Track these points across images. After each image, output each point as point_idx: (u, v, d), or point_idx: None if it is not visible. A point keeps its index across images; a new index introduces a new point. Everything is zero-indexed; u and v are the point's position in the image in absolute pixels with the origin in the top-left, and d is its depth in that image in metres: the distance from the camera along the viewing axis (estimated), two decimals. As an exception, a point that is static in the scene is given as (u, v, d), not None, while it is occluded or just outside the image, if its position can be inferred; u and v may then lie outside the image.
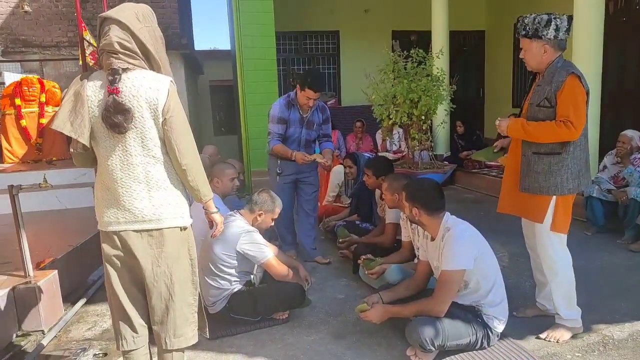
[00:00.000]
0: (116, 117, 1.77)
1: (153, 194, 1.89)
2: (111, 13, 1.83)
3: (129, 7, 1.86)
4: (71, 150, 1.91)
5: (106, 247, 1.94)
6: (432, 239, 2.52)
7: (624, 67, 6.95)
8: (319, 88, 3.67)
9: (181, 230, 1.98)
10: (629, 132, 4.39)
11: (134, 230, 1.90)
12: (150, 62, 1.89)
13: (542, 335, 2.62)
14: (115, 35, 1.80)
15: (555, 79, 2.43)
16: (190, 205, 2.06)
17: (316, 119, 3.91)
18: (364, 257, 3.35)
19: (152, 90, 1.83)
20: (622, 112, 6.74)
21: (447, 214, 2.50)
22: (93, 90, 1.83)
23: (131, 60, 1.83)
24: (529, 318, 2.83)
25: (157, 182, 1.89)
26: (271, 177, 3.96)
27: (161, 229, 1.92)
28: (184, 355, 2.12)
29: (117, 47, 1.80)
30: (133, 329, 2.01)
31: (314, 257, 4.04)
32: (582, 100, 2.41)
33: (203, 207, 2.10)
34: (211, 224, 2.16)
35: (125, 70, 1.82)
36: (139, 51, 1.85)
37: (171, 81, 1.90)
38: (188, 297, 2.03)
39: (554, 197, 2.50)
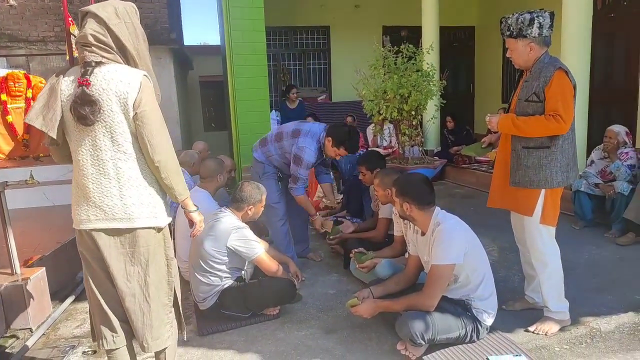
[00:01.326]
0: (83, 108, 1.73)
1: (124, 192, 1.84)
2: (91, 7, 1.83)
3: (110, 3, 1.85)
4: (44, 144, 1.92)
5: (80, 246, 1.92)
6: (423, 234, 2.53)
7: (611, 62, 7.02)
8: (354, 151, 3.50)
9: (157, 231, 1.92)
10: (615, 127, 4.43)
11: (105, 229, 1.85)
12: (127, 58, 1.87)
13: (531, 328, 2.65)
14: (90, 28, 1.80)
15: (543, 75, 2.45)
16: (169, 203, 2.01)
17: (329, 160, 3.79)
18: (355, 250, 3.36)
19: (122, 83, 1.79)
20: (610, 108, 6.82)
21: (438, 208, 2.52)
22: (67, 85, 1.81)
23: (105, 54, 1.81)
24: (518, 311, 2.86)
25: (128, 180, 1.84)
26: (268, 182, 3.59)
27: (133, 229, 1.86)
28: (175, 351, 2.10)
29: (91, 39, 1.79)
30: (112, 328, 1.97)
31: (305, 254, 4.01)
32: (569, 94, 2.45)
33: (181, 206, 2.04)
34: (191, 222, 2.10)
35: (98, 64, 1.80)
36: (114, 45, 1.82)
37: (145, 75, 1.85)
38: (163, 297, 1.99)
39: (543, 190, 2.53)
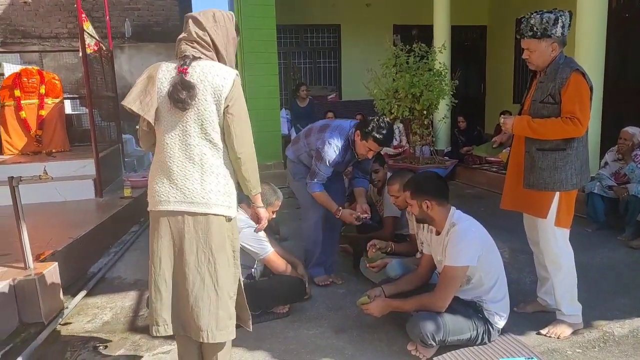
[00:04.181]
0: (181, 92, 1.85)
1: (206, 177, 1.92)
2: (194, 13, 2.01)
3: (210, 10, 2.02)
4: (137, 127, 2.05)
5: (154, 227, 1.97)
6: (437, 233, 2.52)
7: (626, 63, 6.93)
8: (386, 143, 3.12)
9: (227, 220, 1.99)
10: (630, 129, 4.37)
11: (182, 211, 1.92)
12: (219, 57, 2.00)
13: (543, 331, 2.62)
14: (193, 27, 1.97)
15: (559, 76, 2.43)
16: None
17: (365, 162, 3.38)
18: (376, 244, 3.21)
19: (218, 77, 1.91)
20: (624, 109, 6.72)
21: (454, 208, 2.50)
22: (164, 73, 1.93)
23: (204, 51, 1.95)
24: (530, 314, 2.83)
25: (210, 167, 1.93)
26: (300, 184, 3.38)
27: (208, 214, 1.93)
28: (230, 350, 2.11)
29: (195, 36, 1.94)
30: (166, 315, 1.98)
31: (329, 272, 3.51)
32: (586, 96, 2.42)
33: (251, 200, 2.15)
34: (256, 217, 2.22)
35: (196, 58, 1.93)
36: (211, 44, 1.97)
37: (237, 74, 1.97)
38: (229, 288, 2.02)
39: (557, 192, 2.50)
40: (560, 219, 2.53)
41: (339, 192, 3.49)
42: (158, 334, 1.99)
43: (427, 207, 2.46)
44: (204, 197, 1.92)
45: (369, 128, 3.02)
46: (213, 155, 1.94)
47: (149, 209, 2.00)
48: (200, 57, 1.94)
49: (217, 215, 1.95)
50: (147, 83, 1.94)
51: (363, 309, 2.60)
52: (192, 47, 1.95)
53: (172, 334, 2.01)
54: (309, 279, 3.26)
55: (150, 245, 1.99)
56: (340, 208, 3.25)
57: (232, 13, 2.08)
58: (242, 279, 2.86)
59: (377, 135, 3.01)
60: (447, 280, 2.38)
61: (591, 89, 2.44)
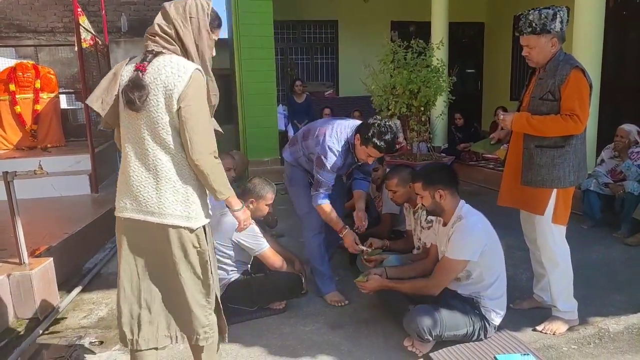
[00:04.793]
0: (132, 92, 1.74)
1: (161, 186, 1.80)
2: (167, 3, 1.88)
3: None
4: (100, 128, 1.99)
5: (117, 234, 1.91)
6: (444, 224, 2.53)
7: (623, 60, 6.94)
8: (388, 150, 2.89)
9: (190, 232, 1.84)
10: (626, 126, 4.39)
11: (138, 220, 1.82)
12: (187, 53, 1.85)
13: (539, 328, 2.63)
14: (158, 19, 1.84)
15: (559, 73, 2.42)
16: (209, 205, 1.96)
17: (366, 165, 3.14)
18: (373, 243, 3.18)
19: (172, 75, 1.76)
20: (621, 106, 6.74)
21: (463, 201, 2.51)
22: (127, 70, 1.82)
23: (167, 45, 1.82)
24: (526, 310, 2.84)
25: (166, 174, 1.80)
26: (297, 190, 3.20)
27: (164, 224, 1.81)
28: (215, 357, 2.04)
29: (157, 29, 1.82)
30: (137, 326, 1.90)
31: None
32: (586, 93, 2.42)
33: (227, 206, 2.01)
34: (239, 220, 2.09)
35: (158, 53, 1.80)
36: (176, 37, 1.83)
37: (198, 69, 1.80)
38: (199, 298, 1.90)
39: (555, 189, 2.50)
40: (558, 215, 2.53)
41: (340, 195, 3.35)
42: (131, 347, 1.91)
43: (440, 196, 2.46)
44: (159, 207, 1.79)
45: (370, 133, 2.77)
46: (169, 161, 1.80)
47: (115, 213, 1.93)
48: (162, 52, 1.80)
49: (175, 226, 1.81)
50: (111, 81, 1.83)
51: (359, 285, 2.65)
52: (154, 40, 1.82)
53: (147, 347, 1.91)
54: (308, 276, 3.24)
55: (118, 252, 1.93)
56: (346, 227, 3.00)
57: (209, 2, 1.92)
58: (238, 277, 2.89)
59: (378, 142, 2.76)
60: (444, 270, 2.42)
61: (591, 86, 2.44)
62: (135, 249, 1.88)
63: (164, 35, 1.81)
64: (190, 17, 1.83)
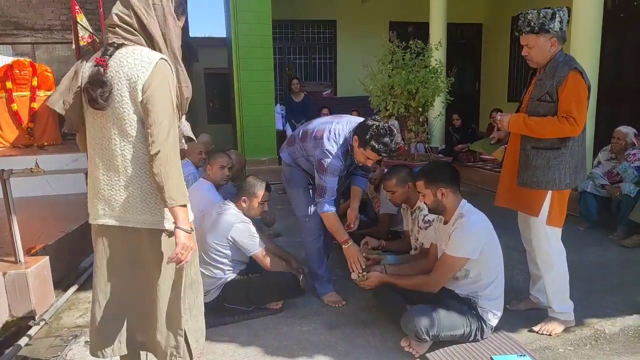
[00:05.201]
0: (93, 89, 1.61)
1: (131, 187, 1.69)
2: None
3: None
4: (64, 130, 1.87)
5: (93, 241, 1.81)
6: (445, 222, 2.53)
7: (620, 62, 6.96)
8: (387, 152, 2.76)
9: (168, 235, 1.72)
10: (623, 128, 4.40)
11: (111, 226, 1.72)
12: (152, 43, 1.72)
13: (535, 328, 2.64)
14: (116, 8, 1.70)
15: (557, 74, 2.42)
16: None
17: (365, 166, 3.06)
18: (369, 242, 3.20)
19: (135, 66, 1.63)
20: (618, 108, 6.77)
21: (464, 200, 2.51)
22: (87, 67, 1.69)
23: (129, 36, 1.68)
24: (522, 311, 2.85)
25: (136, 174, 1.68)
26: (297, 191, 3.10)
27: (137, 228, 1.71)
28: None
29: (115, 19, 1.68)
30: (110, 337, 1.81)
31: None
32: (584, 96, 2.42)
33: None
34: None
35: (120, 46, 1.68)
36: (137, 27, 1.69)
37: (163, 59, 1.67)
38: (172, 311, 1.79)
39: (550, 191, 2.50)
40: (552, 217, 2.53)
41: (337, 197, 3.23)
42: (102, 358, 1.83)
43: (442, 194, 2.46)
44: (133, 210, 1.69)
45: (368, 136, 2.69)
46: (138, 160, 1.67)
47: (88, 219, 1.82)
48: (124, 44, 1.67)
49: (151, 229, 1.71)
50: (72, 78, 1.70)
51: (358, 282, 2.65)
52: (114, 32, 1.68)
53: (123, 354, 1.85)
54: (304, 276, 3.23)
55: (94, 259, 1.84)
56: (351, 240, 2.88)
57: None
58: (235, 277, 2.88)
59: (377, 145, 2.68)
60: (443, 267, 2.42)
61: (589, 88, 2.44)
62: (111, 258, 1.78)
63: (124, 25, 1.68)
64: (153, 4, 1.69)
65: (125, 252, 1.77)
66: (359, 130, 2.78)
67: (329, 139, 2.84)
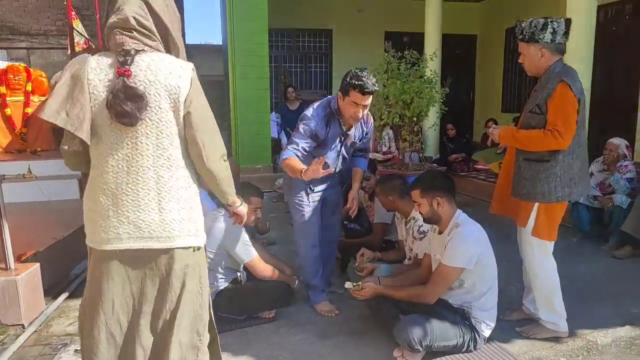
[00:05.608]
0: (126, 104, 1.45)
1: (164, 205, 1.56)
2: None
3: None
4: (64, 147, 1.55)
5: (96, 270, 1.59)
6: (440, 232, 2.52)
7: (612, 75, 7.05)
8: (370, 89, 2.71)
9: (194, 250, 1.66)
10: (615, 140, 4.44)
11: (139, 249, 1.56)
12: (169, 46, 1.61)
13: (518, 329, 2.70)
14: (130, 9, 1.52)
15: (548, 86, 2.43)
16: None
17: (358, 133, 3.02)
18: (365, 254, 3.20)
19: (172, 76, 1.53)
20: (610, 120, 6.84)
21: (459, 210, 2.52)
22: (97, 74, 1.50)
23: (147, 41, 1.54)
24: (515, 322, 2.85)
25: (169, 191, 1.57)
26: (292, 199, 3.06)
27: (171, 249, 1.59)
28: None
29: (133, 22, 1.51)
30: None
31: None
32: (571, 109, 2.38)
33: (229, 204, 1.92)
34: (238, 217, 2.02)
35: (138, 52, 1.52)
36: (156, 31, 1.56)
37: (193, 68, 1.61)
38: (194, 337, 1.68)
39: (537, 203, 2.52)
40: (538, 229, 2.54)
41: (338, 204, 3.26)
42: None
43: (438, 204, 2.46)
44: (165, 230, 1.56)
45: (346, 80, 2.72)
46: (172, 176, 1.57)
47: (91, 245, 1.60)
48: (143, 50, 1.53)
49: (184, 248, 1.61)
50: (73, 88, 1.48)
51: (352, 293, 2.60)
52: (132, 37, 1.52)
53: None
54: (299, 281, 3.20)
55: (93, 285, 1.60)
56: (305, 168, 2.68)
57: None
58: (228, 285, 2.86)
59: (357, 82, 2.67)
60: (440, 277, 2.41)
61: (580, 100, 2.41)
62: (124, 286, 1.60)
63: (142, 29, 1.53)
64: (166, 3, 1.59)
65: (148, 275, 1.61)
66: (343, 84, 2.78)
67: (310, 106, 2.91)
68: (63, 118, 1.47)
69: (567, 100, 2.37)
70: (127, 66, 1.49)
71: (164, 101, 1.53)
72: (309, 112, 2.86)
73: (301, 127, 2.80)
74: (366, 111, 2.85)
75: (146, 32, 1.55)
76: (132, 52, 1.52)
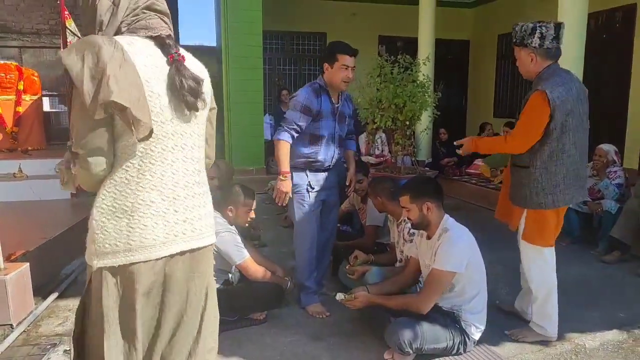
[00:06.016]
0: (194, 90, 1.35)
1: (207, 200, 1.50)
2: None
3: None
4: (69, 144, 1.39)
5: (128, 284, 1.37)
6: (428, 238, 2.53)
7: (601, 82, 7.14)
8: (353, 51, 2.90)
9: (213, 248, 1.62)
10: (605, 146, 4.49)
11: (185, 250, 1.41)
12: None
13: (507, 332, 2.72)
14: None
15: (530, 93, 2.47)
16: None
17: (347, 110, 3.15)
18: (358, 256, 3.20)
19: (198, 70, 1.45)
20: (599, 127, 6.92)
21: (447, 215, 2.53)
22: (144, 59, 1.30)
23: (170, 32, 1.42)
24: (505, 324, 2.86)
25: (206, 187, 1.52)
26: (293, 197, 3.01)
27: (206, 246, 1.50)
28: None
29: (163, 6, 1.40)
30: None
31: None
32: (534, 116, 2.38)
33: None
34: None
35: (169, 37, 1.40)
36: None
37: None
38: (211, 342, 1.55)
39: (525, 209, 2.58)
40: (527, 234, 2.58)
41: (336, 204, 3.29)
42: None
43: (428, 209, 2.47)
44: (206, 226, 1.48)
45: (330, 49, 2.95)
46: (203, 171, 1.51)
47: (134, 258, 1.34)
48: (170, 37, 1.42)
49: (210, 245, 1.54)
50: (128, 70, 1.24)
51: (344, 303, 2.59)
52: (164, 21, 1.40)
53: None
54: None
55: (116, 315, 1.39)
56: (288, 175, 2.86)
57: None
58: (219, 287, 2.85)
59: (342, 46, 2.90)
60: (433, 283, 2.41)
61: (555, 108, 2.32)
62: (154, 297, 1.41)
63: (166, 17, 1.41)
64: None
65: (185, 277, 1.45)
66: (323, 54, 3.02)
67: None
68: (137, 104, 1.24)
69: (535, 107, 2.38)
70: (180, 53, 1.36)
71: (207, 95, 1.46)
72: (300, 90, 2.99)
73: (291, 104, 2.93)
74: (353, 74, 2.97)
75: (168, 19, 1.43)
76: (172, 37, 1.40)
